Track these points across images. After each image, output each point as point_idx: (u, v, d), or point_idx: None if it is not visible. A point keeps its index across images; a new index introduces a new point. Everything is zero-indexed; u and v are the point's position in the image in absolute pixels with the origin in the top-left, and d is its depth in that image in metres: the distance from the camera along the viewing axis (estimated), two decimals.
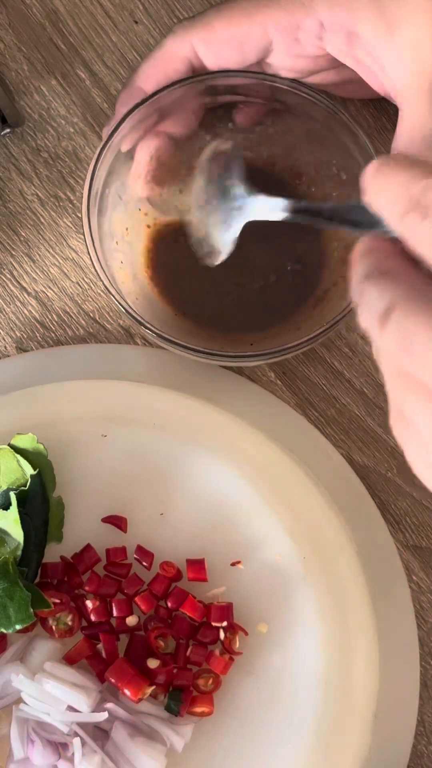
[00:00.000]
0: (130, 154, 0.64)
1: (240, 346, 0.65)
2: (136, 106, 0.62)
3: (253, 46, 0.62)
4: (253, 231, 0.66)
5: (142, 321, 0.62)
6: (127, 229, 0.66)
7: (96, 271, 0.62)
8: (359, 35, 0.60)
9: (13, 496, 0.61)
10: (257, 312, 0.66)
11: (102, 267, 0.62)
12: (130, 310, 0.62)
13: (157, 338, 0.62)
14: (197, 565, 0.64)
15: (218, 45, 0.62)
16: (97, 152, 0.62)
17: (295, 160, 0.66)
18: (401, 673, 0.66)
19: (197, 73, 0.63)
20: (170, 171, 0.66)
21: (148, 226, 0.66)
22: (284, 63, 0.63)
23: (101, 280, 0.62)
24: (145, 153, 0.64)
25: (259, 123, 0.66)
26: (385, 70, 0.60)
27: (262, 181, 0.66)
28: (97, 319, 0.69)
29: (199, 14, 0.63)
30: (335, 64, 0.63)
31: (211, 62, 0.63)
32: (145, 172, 0.65)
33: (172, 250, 0.66)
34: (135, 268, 0.66)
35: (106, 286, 0.62)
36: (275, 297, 0.66)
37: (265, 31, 0.61)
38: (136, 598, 0.63)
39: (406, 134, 0.60)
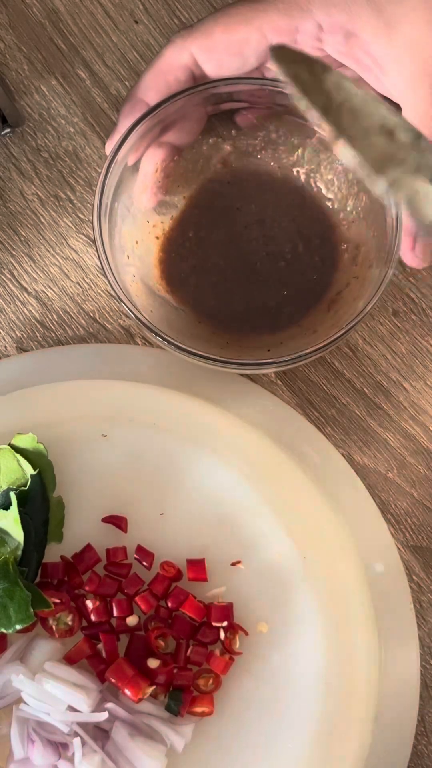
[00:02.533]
0: (136, 167, 0.64)
1: (257, 351, 0.65)
2: (139, 120, 0.62)
3: (252, 50, 0.62)
4: (263, 235, 0.66)
5: (162, 334, 0.61)
6: (137, 242, 0.66)
7: (112, 287, 0.62)
8: (357, 36, 0.60)
9: (13, 496, 0.61)
10: (273, 317, 0.66)
11: (117, 283, 0.62)
12: (148, 324, 0.62)
13: (178, 351, 0.61)
14: (197, 565, 0.64)
15: (218, 52, 0.62)
16: (105, 168, 0.62)
17: (299, 162, 0.66)
18: (401, 673, 0.66)
19: (199, 83, 0.63)
20: (176, 180, 0.66)
21: (158, 238, 0.66)
22: None
23: (117, 298, 0.62)
24: (151, 165, 0.64)
25: (261, 127, 0.66)
26: (385, 69, 0.60)
27: (270, 184, 0.67)
28: (97, 319, 0.69)
29: (197, 23, 0.63)
30: (335, 66, 0.63)
31: (212, 69, 0.63)
32: (152, 184, 0.65)
33: (183, 260, 0.66)
34: (148, 280, 0.66)
35: (120, 298, 0.62)
36: (289, 301, 0.66)
37: (264, 35, 0.61)
38: (136, 598, 0.63)
39: None
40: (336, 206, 0.66)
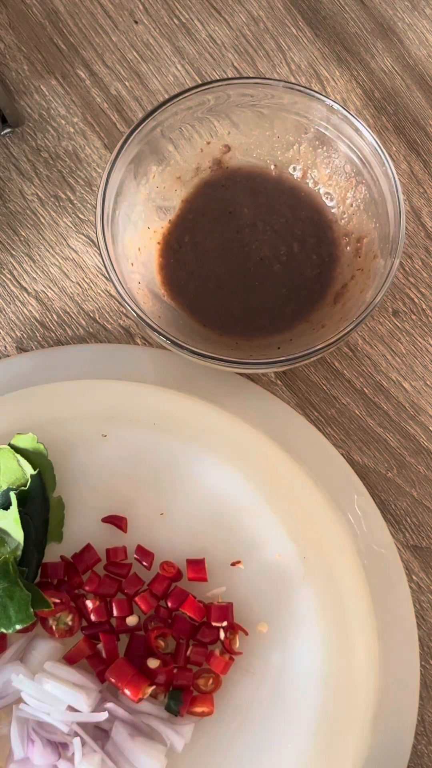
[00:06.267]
0: (134, 174, 0.64)
1: (266, 350, 0.65)
2: (138, 124, 0.62)
3: None
4: (255, 239, 0.66)
5: (181, 343, 0.61)
6: (139, 249, 0.66)
7: (124, 299, 0.62)
8: None
9: (13, 496, 0.61)
10: (275, 317, 0.66)
11: (125, 290, 0.62)
12: (164, 333, 0.61)
13: (196, 356, 0.61)
14: (197, 565, 0.64)
15: None
16: (105, 176, 0.62)
17: (294, 159, 0.66)
18: (401, 673, 0.66)
19: (198, 84, 0.63)
20: (173, 183, 0.66)
21: (159, 243, 0.66)
22: None
23: (129, 308, 0.62)
24: None
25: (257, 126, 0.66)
26: None
27: (263, 187, 0.67)
28: (97, 319, 0.69)
29: None
30: None
31: None
32: None
33: (181, 266, 0.66)
34: (152, 286, 0.66)
35: (133, 311, 0.62)
36: (291, 300, 0.66)
37: None
38: (136, 598, 0.63)
39: None
40: (334, 201, 0.66)
